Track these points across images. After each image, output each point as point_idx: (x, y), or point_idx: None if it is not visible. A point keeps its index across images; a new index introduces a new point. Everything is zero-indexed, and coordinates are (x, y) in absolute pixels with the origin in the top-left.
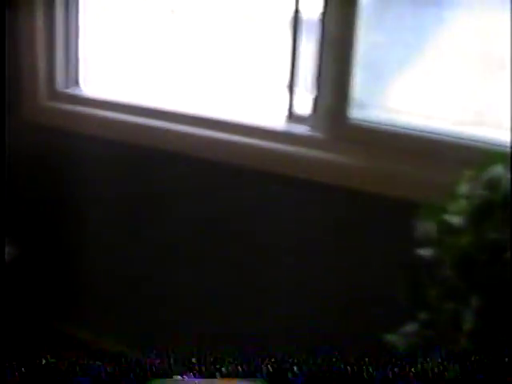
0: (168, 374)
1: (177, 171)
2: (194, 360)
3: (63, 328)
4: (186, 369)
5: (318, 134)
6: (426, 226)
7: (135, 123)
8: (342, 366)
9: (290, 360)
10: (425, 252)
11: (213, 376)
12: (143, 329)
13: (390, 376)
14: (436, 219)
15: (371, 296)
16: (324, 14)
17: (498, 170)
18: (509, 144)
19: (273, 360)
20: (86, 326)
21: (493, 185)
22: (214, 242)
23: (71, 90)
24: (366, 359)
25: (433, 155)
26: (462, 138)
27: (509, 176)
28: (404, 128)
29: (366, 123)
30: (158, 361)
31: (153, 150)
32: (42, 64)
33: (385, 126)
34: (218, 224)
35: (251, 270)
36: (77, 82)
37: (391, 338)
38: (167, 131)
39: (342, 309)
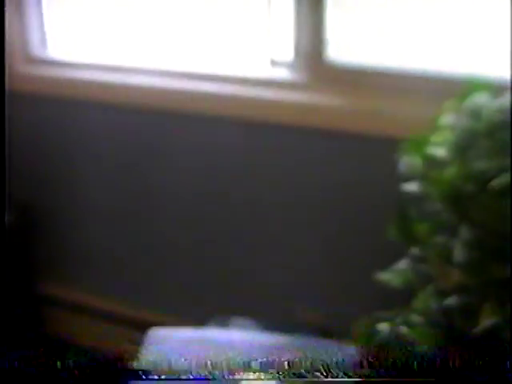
0: None
1: (160, 126)
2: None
3: (54, 290)
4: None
5: (298, 78)
6: (410, 161)
7: (114, 82)
8: None
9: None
10: (411, 187)
11: None
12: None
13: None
14: (420, 153)
15: (361, 236)
16: None
17: (481, 98)
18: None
19: None
20: (79, 287)
21: (476, 113)
22: (202, 193)
23: (46, 54)
24: None
25: (416, 91)
26: (444, 73)
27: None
28: (384, 66)
29: (345, 64)
30: None
31: (135, 107)
32: (15, 28)
33: (364, 66)
34: (203, 174)
35: (242, 219)
36: (51, 45)
37: (384, 275)
38: (148, 88)
39: (332, 250)
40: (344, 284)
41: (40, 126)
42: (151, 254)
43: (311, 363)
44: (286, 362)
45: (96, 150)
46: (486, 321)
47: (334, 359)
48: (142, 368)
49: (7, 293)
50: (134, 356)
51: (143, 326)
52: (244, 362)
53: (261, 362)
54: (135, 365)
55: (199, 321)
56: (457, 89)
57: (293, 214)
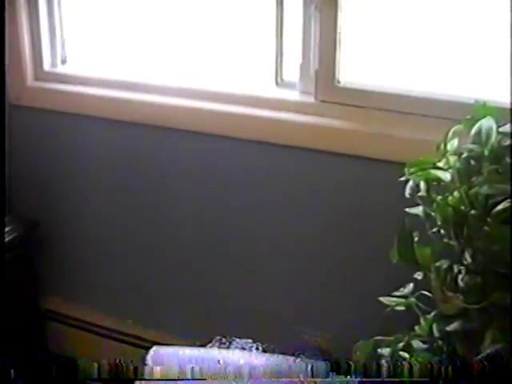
0: None
1: (169, 144)
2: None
3: (58, 306)
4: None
5: (307, 100)
6: (415, 184)
7: (124, 99)
8: None
9: None
10: (415, 211)
11: None
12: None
13: None
14: (425, 176)
15: (365, 259)
16: None
17: (487, 122)
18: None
19: None
20: (83, 303)
21: (482, 138)
22: (208, 213)
23: (58, 70)
24: None
25: (423, 115)
26: (451, 97)
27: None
28: (392, 89)
29: (353, 86)
30: None
31: (144, 124)
32: (26, 44)
33: (373, 88)
34: (210, 194)
35: (246, 239)
36: (63, 61)
37: (388, 300)
38: (157, 105)
39: (336, 272)
40: (347, 307)
41: (48, 140)
42: (156, 273)
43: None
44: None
45: (105, 166)
46: (489, 347)
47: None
48: None
49: (12, 307)
50: (136, 373)
51: (145, 345)
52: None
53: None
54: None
55: (201, 341)
56: (464, 113)
57: (297, 235)
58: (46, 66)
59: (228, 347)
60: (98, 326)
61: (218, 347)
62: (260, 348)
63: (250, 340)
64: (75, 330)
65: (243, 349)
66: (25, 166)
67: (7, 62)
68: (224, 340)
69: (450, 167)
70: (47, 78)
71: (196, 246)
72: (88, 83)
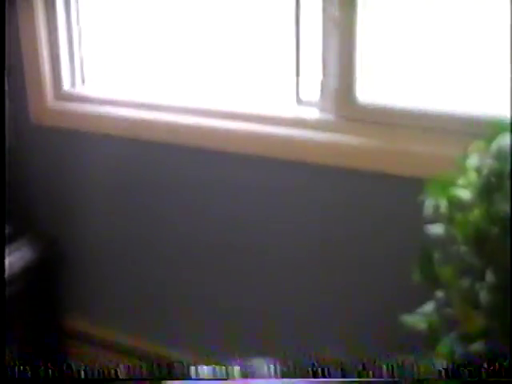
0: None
1: (188, 164)
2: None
3: (79, 325)
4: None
5: (325, 118)
6: (435, 202)
7: (144, 119)
8: None
9: None
10: (436, 229)
11: None
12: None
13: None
14: (445, 194)
15: (386, 278)
16: None
17: (508, 139)
18: None
19: None
20: (104, 322)
21: (502, 155)
22: (224, 231)
23: (77, 90)
24: None
25: (442, 132)
26: (471, 114)
27: None
28: (411, 106)
29: (372, 103)
30: None
31: (163, 144)
32: (46, 64)
33: (391, 106)
34: (230, 213)
35: (258, 257)
36: (83, 81)
37: (409, 318)
38: (177, 125)
39: (356, 291)
40: (368, 326)
41: (68, 159)
42: (176, 292)
43: None
44: None
45: (126, 185)
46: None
47: None
48: None
49: (34, 326)
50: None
51: (166, 364)
52: None
53: None
54: None
55: (219, 360)
56: (484, 130)
57: (317, 252)
58: (66, 86)
59: (246, 365)
60: (118, 344)
61: (237, 366)
62: (277, 367)
63: (265, 359)
64: (96, 349)
65: (259, 369)
66: (45, 186)
67: (26, 81)
68: (242, 359)
69: (470, 184)
70: (67, 98)
71: (212, 264)
72: (107, 103)
